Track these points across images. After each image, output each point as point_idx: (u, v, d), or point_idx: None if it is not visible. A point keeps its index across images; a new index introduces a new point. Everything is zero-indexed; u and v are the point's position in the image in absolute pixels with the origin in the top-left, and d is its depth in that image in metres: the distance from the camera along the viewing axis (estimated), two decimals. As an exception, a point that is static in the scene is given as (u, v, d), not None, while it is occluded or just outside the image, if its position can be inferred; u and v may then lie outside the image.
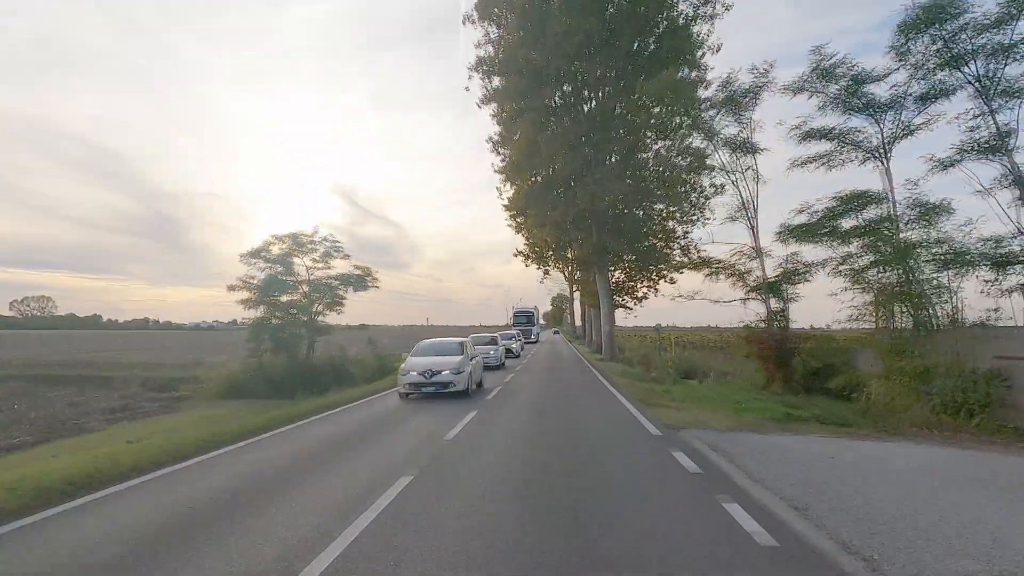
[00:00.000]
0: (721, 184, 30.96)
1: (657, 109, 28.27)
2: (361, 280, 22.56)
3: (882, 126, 16.23)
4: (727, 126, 17.30)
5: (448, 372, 13.03)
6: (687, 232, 31.00)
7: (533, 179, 27.94)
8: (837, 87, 16.23)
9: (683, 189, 29.21)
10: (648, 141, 28.08)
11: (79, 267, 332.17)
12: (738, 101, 16.53)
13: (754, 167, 17.40)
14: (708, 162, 18.22)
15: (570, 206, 27.29)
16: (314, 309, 22.18)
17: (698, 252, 30.52)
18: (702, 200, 30.13)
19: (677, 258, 30.94)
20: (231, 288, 20.80)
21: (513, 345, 30.13)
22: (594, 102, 27.48)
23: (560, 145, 27.01)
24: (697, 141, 20.18)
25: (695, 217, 30.77)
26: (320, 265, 22.24)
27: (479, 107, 30.15)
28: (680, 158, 29.54)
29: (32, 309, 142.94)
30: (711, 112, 17.23)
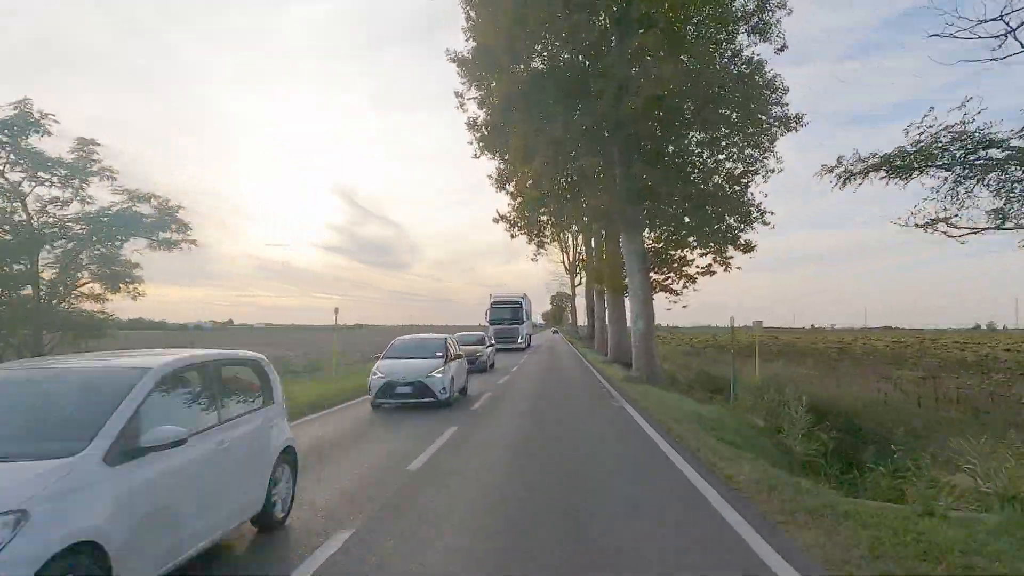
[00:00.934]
0: (798, 115, 19.99)
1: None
2: (156, 227, 10.81)
3: None
4: None
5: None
6: (747, 185, 20.14)
7: (520, 70, 16.41)
8: None
9: (754, 104, 18.45)
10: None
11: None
12: None
13: None
14: None
15: (579, 114, 15.94)
16: (61, 288, 10.47)
17: (761, 214, 19.70)
18: (765, 141, 19.47)
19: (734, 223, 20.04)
20: None
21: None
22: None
23: (561, 7, 15.69)
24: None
25: (756, 167, 19.99)
26: (63, 193, 10.62)
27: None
28: (727, 88, 18.51)
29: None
30: None
